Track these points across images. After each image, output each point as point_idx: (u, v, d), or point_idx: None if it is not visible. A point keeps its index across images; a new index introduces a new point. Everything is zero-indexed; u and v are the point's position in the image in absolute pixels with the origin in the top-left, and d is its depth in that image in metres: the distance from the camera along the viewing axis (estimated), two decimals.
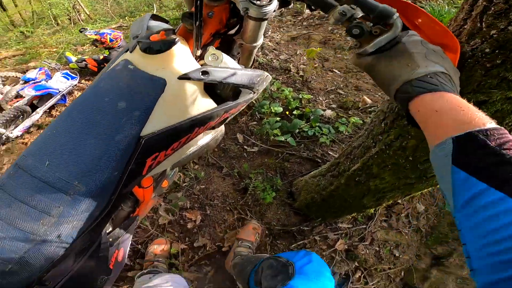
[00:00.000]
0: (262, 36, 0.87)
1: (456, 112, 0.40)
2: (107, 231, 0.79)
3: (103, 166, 0.53)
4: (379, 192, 1.07)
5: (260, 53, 2.36)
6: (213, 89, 0.72)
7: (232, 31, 0.88)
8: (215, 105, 0.70)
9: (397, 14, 0.50)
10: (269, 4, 0.68)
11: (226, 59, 0.73)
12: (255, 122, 1.87)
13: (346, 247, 1.52)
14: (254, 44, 0.86)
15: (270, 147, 1.76)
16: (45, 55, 3.98)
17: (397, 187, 1.00)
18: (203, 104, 0.67)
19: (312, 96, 1.99)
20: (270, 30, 2.74)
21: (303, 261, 0.90)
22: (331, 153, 1.73)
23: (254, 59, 1.05)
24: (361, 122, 1.81)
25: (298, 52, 2.41)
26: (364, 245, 1.54)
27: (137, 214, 0.92)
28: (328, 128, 1.75)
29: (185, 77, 0.60)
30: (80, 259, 0.58)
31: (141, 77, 0.59)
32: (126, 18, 5.53)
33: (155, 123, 0.58)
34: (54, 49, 4.27)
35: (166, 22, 0.84)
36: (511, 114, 0.67)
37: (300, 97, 1.91)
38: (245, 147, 1.78)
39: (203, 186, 1.65)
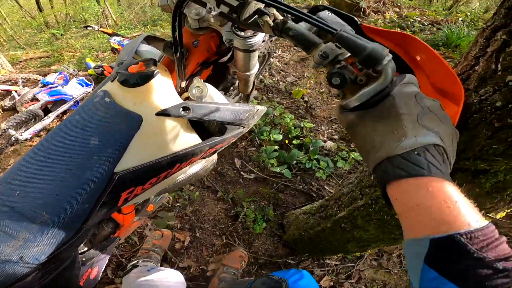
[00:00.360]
0: (257, 64, 0.82)
1: (440, 210, 0.33)
2: (82, 251, 0.79)
3: (72, 199, 0.53)
4: (364, 241, 1.01)
5: (267, 73, 2.31)
6: (199, 122, 0.67)
7: (225, 58, 0.82)
8: (200, 141, 0.66)
9: (389, 58, 0.39)
10: (254, 36, 0.62)
11: (212, 92, 0.68)
12: (254, 148, 1.80)
13: (332, 284, 1.45)
14: (248, 73, 0.81)
15: (267, 175, 1.69)
16: (68, 59, 4.08)
17: (382, 239, 0.94)
18: (186, 140, 0.63)
19: (314, 125, 1.91)
20: (280, 49, 2.69)
21: (295, 277, 0.91)
22: (327, 188, 1.65)
23: (254, 84, 1.00)
24: (362, 158, 1.70)
25: (306, 74, 2.34)
26: (350, 282, 1.46)
27: (118, 235, 0.90)
28: (326, 162, 1.66)
29: (163, 114, 0.56)
30: (48, 276, 0.58)
31: (117, 112, 0.56)
32: (148, 27, 5.65)
33: (130, 160, 0.56)
34: (78, 53, 4.39)
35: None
36: None
37: (302, 125, 1.84)
38: (242, 173, 1.72)
39: (196, 208, 1.61)
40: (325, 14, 0.51)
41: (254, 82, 0.99)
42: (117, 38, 3.30)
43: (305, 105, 2.05)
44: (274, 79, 2.25)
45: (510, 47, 0.46)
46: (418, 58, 0.49)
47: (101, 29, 3.34)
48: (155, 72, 0.58)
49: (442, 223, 0.33)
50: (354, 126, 0.44)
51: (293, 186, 1.65)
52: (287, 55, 2.63)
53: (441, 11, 5.79)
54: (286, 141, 1.79)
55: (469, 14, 5.35)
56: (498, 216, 0.69)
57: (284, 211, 1.59)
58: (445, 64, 0.46)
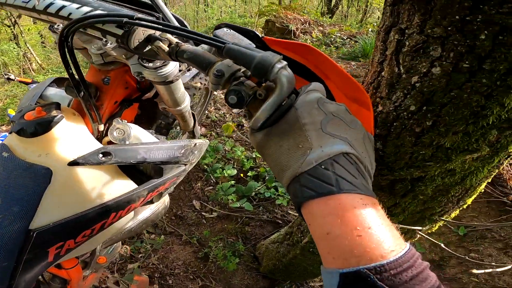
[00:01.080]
0: (187, 97, 0.76)
1: (349, 241, 0.29)
2: None
3: None
4: None
5: (213, 108, 2.30)
6: (134, 166, 0.61)
7: (150, 94, 0.76)
8: (134, 186, 0.60)
9: (280, 65, 0.34)
10: (165, 66, 0.57)
11: (137, 132, 0.62)
12: (211, 187, 1.76)
13: None
14: (179, 108, 0.75)
15: (229, 212, 1.65)
16: None
17: None
18: (116, 188, 0.57)
19: None
20: None
21: None
22: (291, 212, 1.65)
23: (195, 118, 0.94)
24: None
25: None
26: None
27: None
28: None
29: (77, 163, 0.51)
30: None
31: (17, 167, 0.51)
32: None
33: (48, 215, 0.51)
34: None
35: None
36: (456, 186, 0.55)
37: (254, 156, 1.85)
38: (203, 213, 1.66)
39: (162, 255, 1.51)
40: (222, 31, 0.49)
41: (194, 117, 0.93)
42: None
43: None
44: (220, 112, 2.24)
45: (405, 46, 0.43)
46: (326, 71, 0.47)
47: (18, 78, 2.93)
48: (58, 117, 0.53)
49: (351, 255, 0.29)
50: (261, 146, 0.39)
51: (257, 217, 1.63)
52: None
53: (354, 24, 6.48)
54: (242, 175, 1.78)
55: (375, 24, 6.07)
56: (453, 215, 0.69)
57: (255, 243, 1.55)
58: (343, 72, 0.45)
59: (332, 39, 4.43)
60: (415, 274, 0.28)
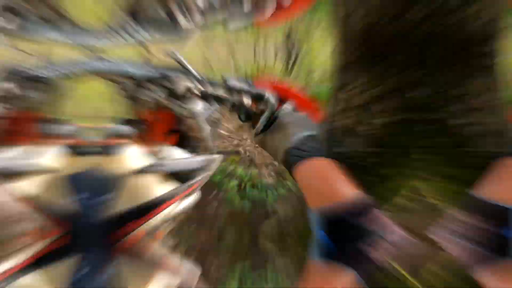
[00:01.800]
0: (207, 126, 0.78)
1: (322, 185, 0.40)
2: None
3: None
4: None
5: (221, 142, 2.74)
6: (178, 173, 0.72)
7: (184, 126, 0.80)
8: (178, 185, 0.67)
9: (268, 94, 0.52)
10: (195, 104, 0.64)
11: (176, 152, 0.69)
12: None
13: None
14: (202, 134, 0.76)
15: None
16: None
17: None
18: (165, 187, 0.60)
19: (257, 171, 2.24)
20: (223, 119, 3.12)
21: None
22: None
23: (210, 144, 0.94)
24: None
25: (244, 137, 2.95)
26: None
27: None
28: (272, 192, 1.96)
29: (141, 171, 0.56)
30: None
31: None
32: None
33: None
34: None
35: None
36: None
37: (250, 173, 2.14)
38: None
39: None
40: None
41: (211, 138, 0.90)
42: None
43: (248, 158, 2.71)
44: (224, 144, 2.66)
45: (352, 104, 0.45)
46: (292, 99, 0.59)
47: None
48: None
49: (326, 197, 0.38)
50: (263, 142, 0.56)
51: None
52: (229, 125, 3.05)
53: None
54: (241, 186, 1.99)
55: None
56: None
57: None
58: (303, 97, 0.59)
59: None
60: (371, 209, 0.36)
